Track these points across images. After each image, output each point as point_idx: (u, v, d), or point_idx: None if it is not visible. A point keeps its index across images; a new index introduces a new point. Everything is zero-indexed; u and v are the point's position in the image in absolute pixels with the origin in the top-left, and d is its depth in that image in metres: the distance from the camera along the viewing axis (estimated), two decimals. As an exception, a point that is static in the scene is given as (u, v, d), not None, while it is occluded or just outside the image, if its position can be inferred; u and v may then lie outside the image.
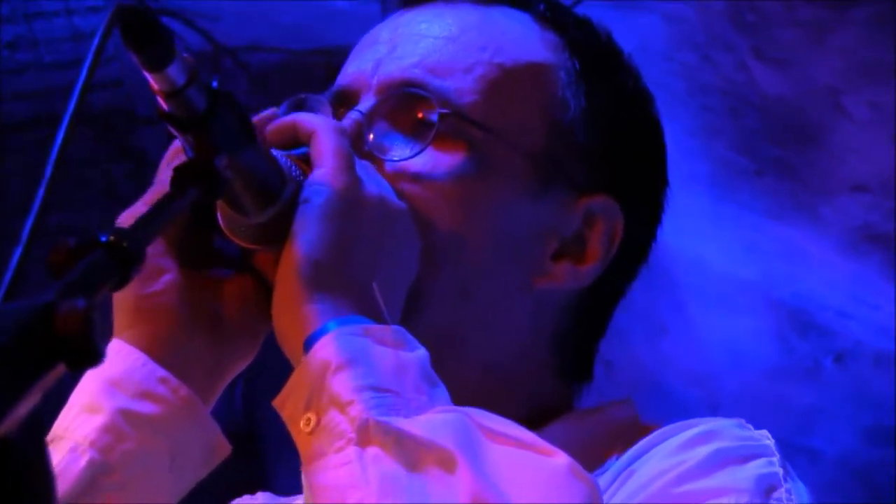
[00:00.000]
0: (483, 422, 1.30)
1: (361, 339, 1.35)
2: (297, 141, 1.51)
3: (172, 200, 1.23)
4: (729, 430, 1.47)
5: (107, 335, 1.45)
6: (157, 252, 1.49)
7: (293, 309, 1.41)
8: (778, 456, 1.45)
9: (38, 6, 4.26)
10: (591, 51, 1.68)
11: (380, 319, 1.40)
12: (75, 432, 1.42)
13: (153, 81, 1.29)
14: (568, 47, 1.66)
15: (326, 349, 1.34)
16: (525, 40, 1.66)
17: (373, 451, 1.27)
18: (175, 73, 1.28)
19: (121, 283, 1.08)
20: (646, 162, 1.70)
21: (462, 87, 1.59)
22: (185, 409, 1.46)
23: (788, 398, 5.13)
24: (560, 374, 1.65)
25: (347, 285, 1.42)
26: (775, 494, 1.41)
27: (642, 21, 4.46)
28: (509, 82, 1.62)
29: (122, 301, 1.49)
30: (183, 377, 1.47)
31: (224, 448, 1.49)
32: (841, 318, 5.10)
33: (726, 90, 4.64)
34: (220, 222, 1.48)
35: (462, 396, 1.36)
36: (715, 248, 4.97)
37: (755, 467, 1.42)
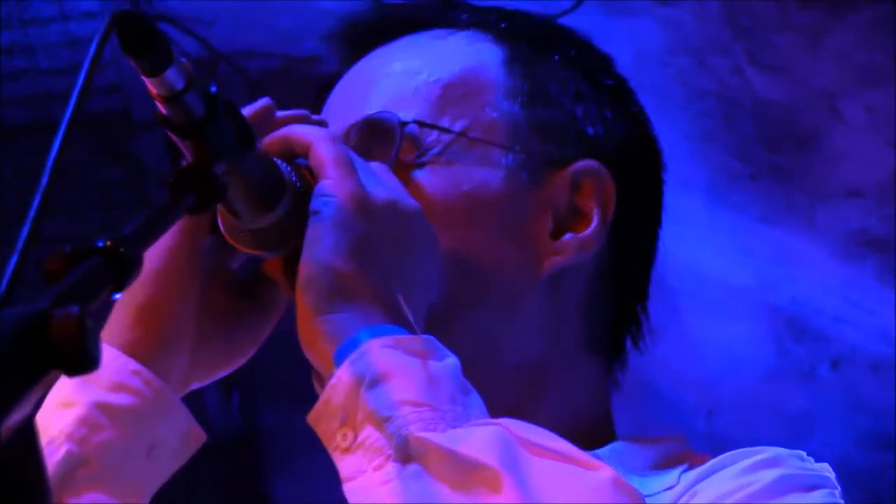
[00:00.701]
0: (523, 434, 1.29)
1: (393, 350, 1.34)
2: (293, 153, 1.51)
3: (171, 206, 1.23)
4: (792, 460, 1.48)
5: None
6: (176, 259, 1.50)
7: (319, 321, 1.40)
8: (839, 489, 1.46)
9: (33, 12, 4.25)
10: (520, 34, 1.73)
11: (407, 325, 1.40)
12: (50, 428, 1.42)
13: (151, 86, 1.29)
14: (495, 39, 1.71)
15: (359, 363, 1.34)
16: (453, 50, 1.71)
17: (413, 467, 1.27)
18: (173, 77, 1.28)
19: (117, 289, 1.08)
20: (613, 120, 1.72)
21: (415, 113, 1.63)
22: (159, 399, 1.46)
23: (784, 403, 5.12)
24: (591, 349, 1.66)
25: (372, 292, 1.42)
26: None
27: (637, 26, 4.46)
28: (451, 92, 1.66)
29: (130, 300, 1.50)
30: (164, 368, 1.49)
31: (199, 435, 1.50)
32: (837, 323, 5.10)
33: (721, 95, 4.64)
34: (221, 227, 1.48)
35: (498, 397, 1.36)
36: (710, 252, 4.97)
37: (820, 496, 1.44)
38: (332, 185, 1.45)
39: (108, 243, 1.07)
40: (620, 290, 1.69)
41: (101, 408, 1.43)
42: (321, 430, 1.35)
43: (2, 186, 4.42)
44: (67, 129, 1.13)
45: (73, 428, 1.41)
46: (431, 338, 1.39)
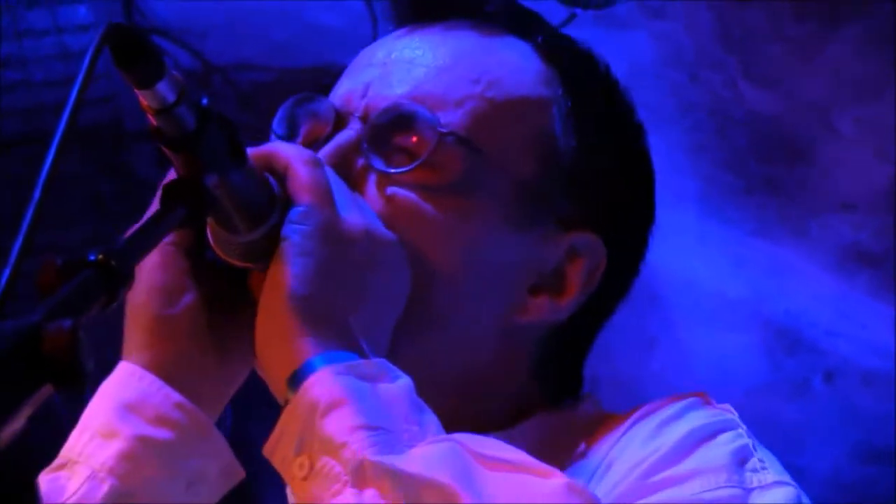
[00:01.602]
0: (475, 448, 1.30)
1: (347, 377, 1.34)
2: (273, 171, 1.49)
3: (161, 218, 1.23)
4: (694, 410, 1.50)
5: (94, 356, 1.45)
6: (177, 271, 1.49)
7: (277, 344, 1.41)
8: (744, 427, 1.48)
9: (27, 24, 4.25)
10: (586, 86, 1.67)
11: (361, 351, 1.40)
12: (91, 458, 1.41)
13: (143, 99, 1.29)
14: (563, 81, 1.66)
15: (313, 390, 1.34)
16: (519, 73, 1.65)
17: (370, 492, 1.26)
18: (165, 90, 1.28)
19: (109, 303, 1.07)
20: (634, 200, 1.70)
21: (452, 119, 1.58)
22: (201, 434, 1.45)
23: (777, 416, 5.12)
24: (544, 398, 1.65)
25: (331, 319, 1.42)
26: (749, 465, 1.44)
27: (630, 39, 4.47)
28: (500, 116, 1.61)
29: (139, 319, 1.49)
30: (194, 396, 1.46)
31: (238, 472, 1.49)
32: (829, 336, 5.10)
33: (714, 108, 4.64)
34: (210, 240, 1.48)
35: (440, 420, 1.35)
36: (703, 265, 4.97)
37: (725, 443, 1.44)
38: (305, 212, 1.44)
39: (100, 256, 1.07)
40: (571, 353, 1.68)
41: (144, 442, 1.42)
42: (277, 461, 1.35)
43: (-7, 197, 4.42)
44: (60, 144, 1.13)
45: (115, 462, 1.40)
46: (384, 361, 1.39)
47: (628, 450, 1.47)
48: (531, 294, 1.60)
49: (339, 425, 1.30)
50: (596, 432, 1.55)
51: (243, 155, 1.40)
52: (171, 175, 1.38)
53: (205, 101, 1.33)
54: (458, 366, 1.59)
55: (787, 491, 1.45)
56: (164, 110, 1.29)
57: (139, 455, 1.41)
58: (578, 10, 4.10)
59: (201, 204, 1.28)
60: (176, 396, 1.44)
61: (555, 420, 1.61)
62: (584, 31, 4.11)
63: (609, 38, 4.37)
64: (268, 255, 1.44)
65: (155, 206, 1.43)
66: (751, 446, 1.46)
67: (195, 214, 1.28)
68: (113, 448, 1.41)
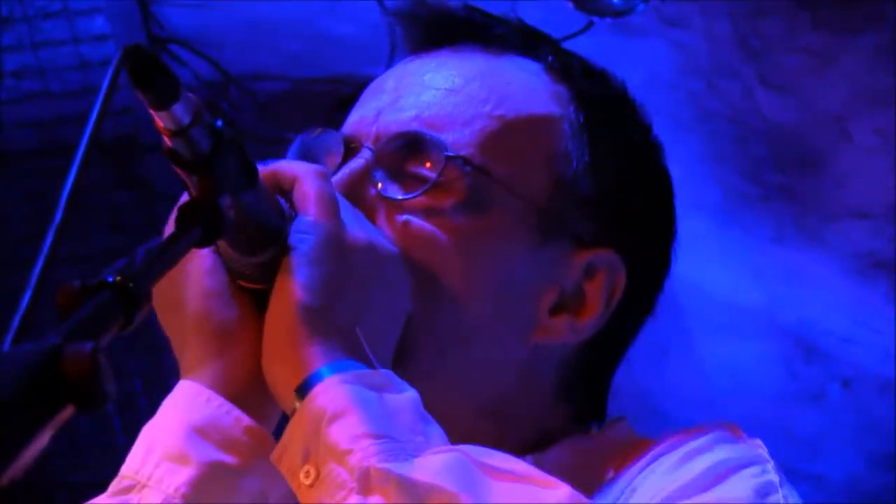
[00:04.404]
0: (480, 458, 1.30)
1: (354, 385, 1.34)
2: (280, 188, 1.50)
3: (177, 239, 1.24)
4: (723, 442, 1.49)
5: (114, 378, 1.45)
6: (224, 278, 1.49)
7: (284, 354, 1.41)
8: (772, 462, 1.46)
9: (44, 35, 4.26)
10: (599, 102, 1.67)
11: (368, 361, 1.40)
12: (163, 482, 1.41)
13: (158, 120, 1.29)
14: (575, 99, 1.65)
15: (320, 398, 1.34)
16: (529, 92, 1.65)
17: (375, 499, 1.27)
18: (180, 112, 1.29)
19: (127, 325, 1.08)
20: (652, 216, 1.69)
21: (459, 140, 1.58)
22: (267, 456, 1.45)
23: (793, 423, 5.12)
24: (566, 418, 1.65)
25: (337, 328, 1.42)
26: (771, 500, 1.42)
27: (648, 48, 4.47)
28: (510, 134, 1.60)
29: (199, 327, 1.48)
30: (261, 409, 1.46)
31: None
32: (845, 344, 5.10)
33: (732, 117, 4.65)
34: (222, 262, 1.49)
35: (459, 439, 1.36)
36: (719, 273, 4.97)
37: (751, 476, 1.43)
38: (311, 223, 1.45)
39: (118, 278, 1.07)
40: (594, 368, 1.68)
41: (215, 468, 1.41)
42: (285, 468, 1.35)
43: (10, 209, 4.43)
44: (83, 159, 1.14)
45: (188, 489, 1.40)
46: (390, 372, 1.39)
47: (653, 476, 1.47)
48: (552, 314, 1.59)
49: (346, 433, 1.31)
50: (625, 458, 1.54)
51: (255, 176, 1.40)
52: (185, 197, 1.39)
53: (219, 122, 1.33)
54: (482, 388, 1.59)
55: None
56: (179, 132, 1.29)
57: (209, 481, 1.41)
58: (596, 18, 4.10)
59: (216, 225, 1.28)
60: (246, 420, 1.44)
61: (586, 445, 1.60)
62: (602, 39, 4.12)
63: (626, 47, 4.38)
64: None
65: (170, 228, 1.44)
66: (777, 483, 1.44)
67: (210, 235, 1.28)
68: (185, 474, 1.41)
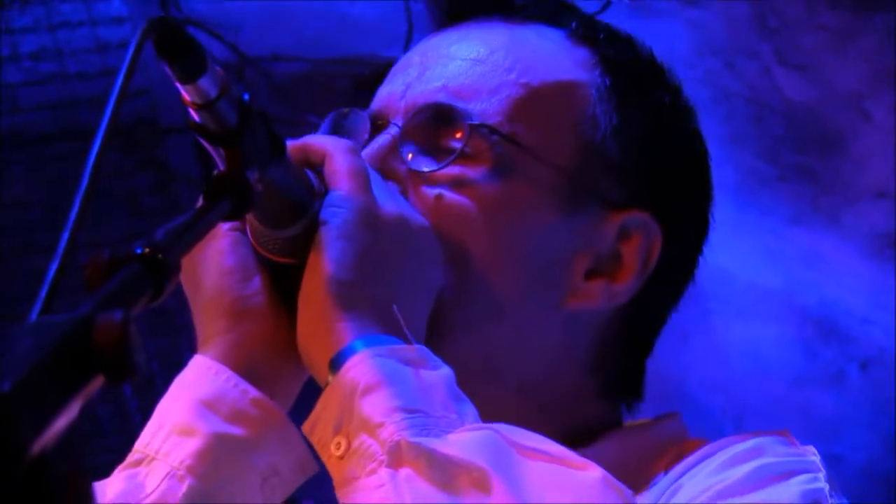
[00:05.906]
0: (514, 437, 1.30)
1: (387, 359, 1.34)
2: (309, 162, 1.50)
3: (206, 212, 1.23)
4: (774, 447, 1.47)
5: (144, 349, 1.46)
6: (244, 255, 1.49)
7: (319, 328, 1.41)
8: (824, 471, 1.44)
9: (61, 16, 4.26)
10: (625, 66, 1.67)
11: (403, 335, 1.40)
12: (170, 455, 1.42)
13: (185, 93, 1.29)
14: (600, 63, 1.66)
15: (353, 371, 1.34)
16: (554, 58, 1.65)
17: (405, 472, 1.26)
18: (207, 85, 1.28)
19: (155, 296, 1.08)
20: (684, 178, 1.69)
21: (487, 108, 1.59)
22: (276, 429, 1.45)
23: (812, 405, 5.11)
24: (603, 393, 1.64)
25: (371, 303, 1.42)
26: None
27: (665, 27, 4.46)
28: (536, 101, 1.61)
29: (216, 303, 1.49)
30: (273, 384, 1.47)
31: (311, 465, 1.48)
32: (864, 325, 5.09)
33: (749, 97, 4.63)
34: (249, 235, 1.48)
35: (496, 419, 1.35)
36: (738, 255, 4.96)
37: (799, 483, 1.42)
38: (343, 196, 1.45)
39: (147, 250, 1.07)
40: (634, 343, 1.67)
41: (221, 439, 1.42)
42: (316, 440, 1.35)
43: (28, 193, 4.43)
44: (103, 142, 1.13)
45: (193, 461, 1.41)
46: (425, 348, 1.39)
47: (699, 475, 1.45)
48: (587, 279, 1.59)
49: (378, 406, 1.31)
50: (675, 457, 1.53)
51: (283, 149, 1.40)
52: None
53: (245, 96, 1.33)
54: (517, 361, 1.59)
55: None
56: (206, 105, 1.29)
57: (217, 453, 1.42)
58: (613, -1, 4.11)
59: (245, 197, 1.28)
60: (253, 392, 1.45)
61: (636, 441, 1.60)
62: (619, 19, 4.10)
63: (644, 27, 4.35)
64: (306, 251, 1.45)
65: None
66: (826, 492, 1.42)
67: (239, 208, 1.28)
68: (191, 446, 1.42)
